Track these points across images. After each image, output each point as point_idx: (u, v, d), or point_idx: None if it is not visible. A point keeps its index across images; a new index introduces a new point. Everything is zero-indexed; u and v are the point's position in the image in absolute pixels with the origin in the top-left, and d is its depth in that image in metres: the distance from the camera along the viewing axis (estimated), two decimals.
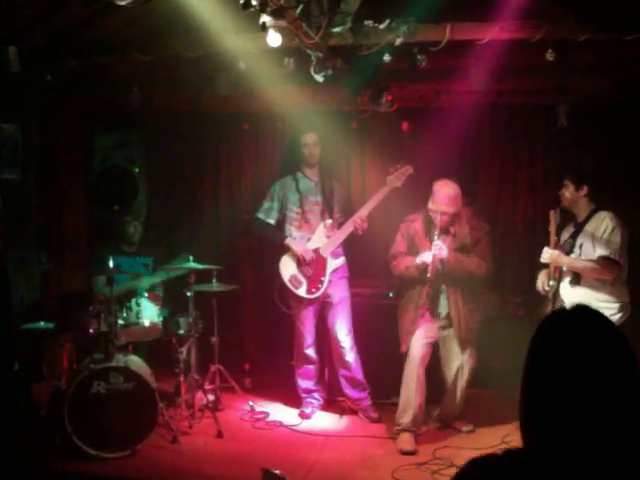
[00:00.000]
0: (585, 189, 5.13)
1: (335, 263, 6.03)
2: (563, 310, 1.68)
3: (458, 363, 5.56)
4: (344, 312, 6.04)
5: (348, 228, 5.94)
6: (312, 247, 5.98)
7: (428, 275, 5.39)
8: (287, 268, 6.00)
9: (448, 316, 5.54)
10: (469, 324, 5.51)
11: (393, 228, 6.12)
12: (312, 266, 5.94)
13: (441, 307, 5.56)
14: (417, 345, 5.48)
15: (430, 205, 5.48)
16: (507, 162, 6.84)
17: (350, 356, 6.00)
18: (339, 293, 6.05)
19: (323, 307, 6.09)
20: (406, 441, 5.36)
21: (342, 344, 5.99)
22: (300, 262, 5.94)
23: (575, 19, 4.86)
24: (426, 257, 5.39)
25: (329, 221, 6.05)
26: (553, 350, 1.58)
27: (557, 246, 5.10)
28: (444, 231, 5.48)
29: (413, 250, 5.62)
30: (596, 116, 6.43)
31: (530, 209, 6.75)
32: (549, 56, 5.01)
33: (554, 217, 5.13)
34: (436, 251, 5.34)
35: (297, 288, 5.96)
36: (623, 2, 4.77)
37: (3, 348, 3.78)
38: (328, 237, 6.02)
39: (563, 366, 1.54)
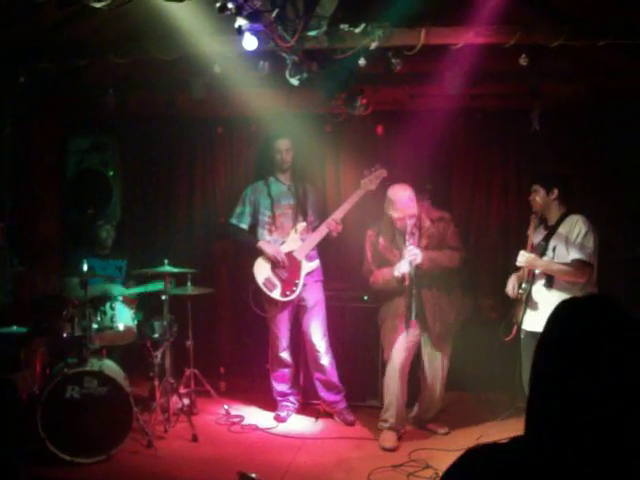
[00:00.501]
0: (555, 192, 5.17)
1: (309, 266, 6.03)
2: (577, 299, 1.64)
3: (436, 363, 5.62)
4: (319, 315, 6.04)
5: (322, 231, 5.95)
6: (286, 250, 5.97)
7: (406, 283, 5.40)
8: (261, 271, 5.99)
9: (423, 318, 5.54)
10: (444, 320, 5.53)
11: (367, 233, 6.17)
12: (286, 269, 5.94)
13: (413, 311, 5.53)
14: (398, 349, 5.52)
15: (393, 213, 5.47)
16: (481, 165, 6.88)
17: (325, 359, 6.00)
18: (314, 296, 6.05)
19: (298, 310, 6.08)
20: (388, 439, 5.45)
21: (317, 347, 5.99)
22: (274, 265, 5.94)
23: (549, 25, 4.92)
24: (404, 267, 5.38)
25: (302, 224, 6.06)
26: (565, 340, 1.53)
27: (532, 249, 5.16)
28: (410, 234, 5.46)
29: (383, 262, 5.63)
30: (570, 120, 6.50)
31: (503, 213, 6.80)
32: (522, 61, 5.06)
33: (534, 221, 5.21)
34: (411, 257, 5.35)
35: (271, 291, 5.95)
36: (596, 9, 4.83)
37: None
38: (302, 240, 6.02)
39: (575, 357, 1.49)
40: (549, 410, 1.52)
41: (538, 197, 5.22)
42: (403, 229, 5.47)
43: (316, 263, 6.09)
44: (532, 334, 4.99)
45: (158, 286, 6.03)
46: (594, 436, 1.44)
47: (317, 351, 5.99)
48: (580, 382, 1.47)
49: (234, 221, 6.16)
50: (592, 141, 6.48)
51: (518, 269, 5.30)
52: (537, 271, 5.15)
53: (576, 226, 5.03)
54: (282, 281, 5.94)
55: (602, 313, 1.55)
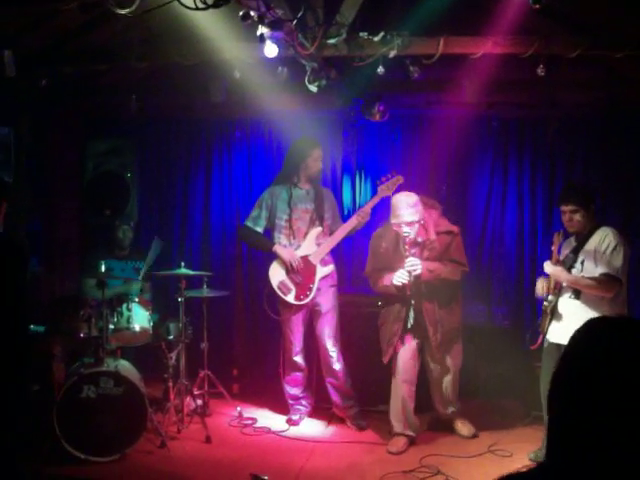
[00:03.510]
0: (593, 208, 5.01)
1: (324, 271, 6.04)
2: (605, 318, 1.60)
3: (438, 368, 5.65)
4: (332, 320, 6.05)
5: (351, 224, 5.95)
6: (301, 254, 5.99)
7: (408, 293, 5.39)
8: (276, 274, 6.01)
9: (423, 328, 5.50)
10: (446, 328, 5.49)
11: None
12: (301, 273, 5.96)
13: (410, 320, 5.51)
14: (401, 355, 5.54)
15: (393, 220, 5.40)
16: (496, 173, 6.90)
17: (338, 365, 6.02)
18: (328, 302, 6.05)
19: (312, 315, 6.10)
20: (394, 443, 5.50)
21: (330, 353, 6.00)
22: (289, 269, 5.96)
23: (567, 35, 4.94)
24: (403, 277, 5.32)
25: (318, 229, 6.05)
26: (590, 360, 1.47)
27: (558, 262, 5.01)
28: (413, 242, 5.42)
29: (384, 266, 5.57)
30: (585, 130, 6.52)
31: (518, 221, 6.81)
32: (540, 71, 5.08)
33: (558, 238, 5.03)
34: (410, 268, 5.30)
35: (286, 294, 5.97)
36: (614, 20, 4.85)
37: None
38: (318, 244, 6.04)
39: (600, 376, 1.43)
40: (573, 433, 1.46)
41: (579, 216, 4.98)
42: (404, 237, 5.40)
43: (331, 268, 6.10)
44: (556, 345, 4.86)
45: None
46: (620, 465, 1.38)
47: (330, 356, 6.00)
48: (603, 405, 1.41)
49: (249, 224, 6.15)
50: (606, 150, 6.50)
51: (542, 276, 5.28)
52: (564, 283, 5.01)
53: (606, 239, 4.87)
54: (297, 285, 5.97)
55: (630, 334, 1.49)
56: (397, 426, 5.57)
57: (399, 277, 5.34)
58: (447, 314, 5.52)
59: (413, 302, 5.47)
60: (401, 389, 5.53)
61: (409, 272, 5.30)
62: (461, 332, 5.71)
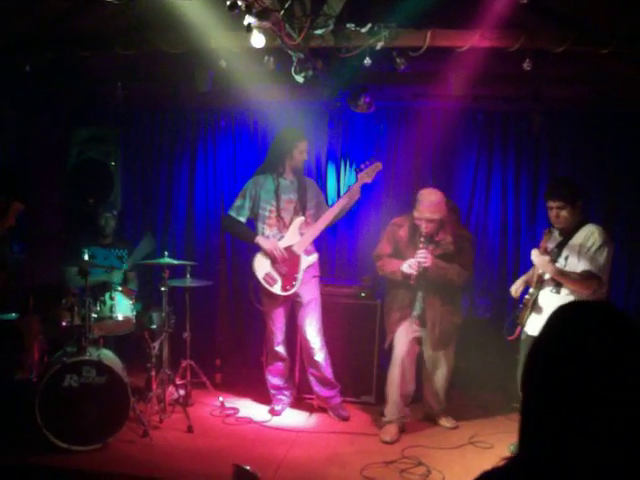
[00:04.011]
0: (579, 204, 5.03)
1: (309, 260, 6.03)
2: (578, 303, 1.58)
3: (432, 362, 5.75)
4: (314, 312, 6.06)
5: (333, 211, 5.97)
6: (284, 245, 5.98)
7: (411, 282, 5.51)
8: (261, 266, 5.99)
9: (423, 317, 5.66)
10: (445, 325, 5.62)
11: (365, 230, 6.22)
12: (285, 264, 5.95)
13: (416, 309, 5.68)
14: (401, 342, 5.64)
15: (415, 214, 5.55)
16: (481, 165, 6.91)
17: (320, 356, 6.03)
18: (309, 293, 6.05)
19: (293, 306, 6.11)
20: (387, 432, 5.57)
21: (312, 344, 6.02)
22: (273, 260, 5.95)
23: (554, 30, 4.95)
24: (412, 267, 5.47)
25: (301, 218, 6.04)
26: (561, 343, 1.46)
27: (545, 252, 5.00)
28: (429, 239, 5.55)
29: (398, 255, 5.69)
30: (569, 125, 6.55)
31: (502, 214, 6.83)
32: (526, 66, 5.09)
33: (547, 235, 5.06)
34: (420, 259, 5.44)
35: (272, 286, 5.95)
36: (601, 17, 4.86)
37: None
38: (301, 234, 6.03)
39: (571, 359, 1.41)
40: (544, 420, 1.45)
41: (565, 212, 5.00)
42: (421, 230, 5.54)
43: (314, 257, 6.09)
44: (533, 338, 4.89)
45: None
46: (592, 453, 1.37)
47: (311, 347, 6.01)
48: (578, 390, 1.39)
49: (232, 213, 6.11)
50: (591, 145, 6.53)
51: (525, 272, 5.31)
52: (546, 277, 5.04)
53: (591, 237, 4.90)
54: (282, 276, 5.95)
55: (605, 318, 1.47)
56: (387, 413, 5.64)
57: (409, 265, 5.49)
58: (447, 313, 5.65)
59: (421, 294, 5.66)
60: (397, 372, 5.60)
61: (419, 263, 5.45)
62: (457, 334, 5.80)
